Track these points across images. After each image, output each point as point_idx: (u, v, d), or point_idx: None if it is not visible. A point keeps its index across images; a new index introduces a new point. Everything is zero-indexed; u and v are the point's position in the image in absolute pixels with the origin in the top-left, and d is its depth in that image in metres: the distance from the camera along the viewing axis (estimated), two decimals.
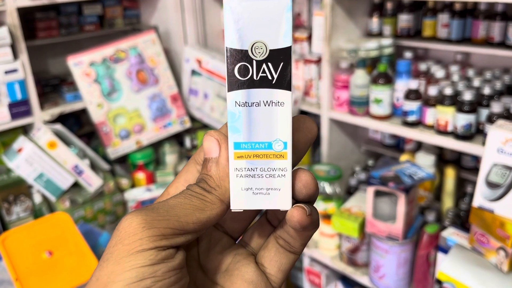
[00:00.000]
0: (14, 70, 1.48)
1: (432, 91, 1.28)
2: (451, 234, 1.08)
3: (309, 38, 1.58)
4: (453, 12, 1.35)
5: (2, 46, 1.44)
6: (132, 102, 1.73)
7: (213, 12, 1.92)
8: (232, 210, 0.29)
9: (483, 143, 1.17)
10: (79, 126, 1.89)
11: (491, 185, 0.88)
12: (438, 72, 1.33)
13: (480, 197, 0.90)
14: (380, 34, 1.52)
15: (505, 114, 1.15)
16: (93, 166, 1.62)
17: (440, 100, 1.25)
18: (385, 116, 1.40)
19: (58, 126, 1.56)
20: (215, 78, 1.76)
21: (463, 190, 1.39)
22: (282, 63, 0.27)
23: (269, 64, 0.27)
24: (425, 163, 1.38)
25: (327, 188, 1.46)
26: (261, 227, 0.32)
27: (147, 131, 1.76)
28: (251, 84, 0.27)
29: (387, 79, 1.37)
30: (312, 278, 1.62)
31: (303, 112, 1.61)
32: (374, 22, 1.51)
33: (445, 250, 1.06)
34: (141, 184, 1.74)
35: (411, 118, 1.33)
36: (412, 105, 1.32)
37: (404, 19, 1.46)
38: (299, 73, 1.60)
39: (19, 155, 1.44)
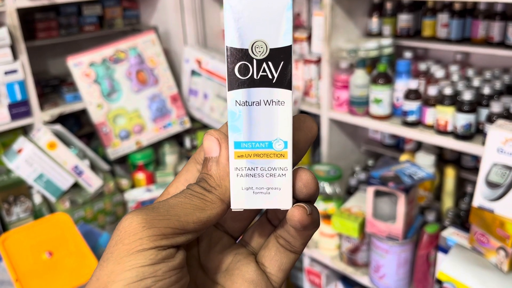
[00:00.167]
0: (14, 71, 1.48)
1: (432, 91, 1.28)
2: (451, 234, 1.08)
3: (309, 38, 1.58)
4: (453, 12, 1.35)
5: (2, 47, 1.44)
6: (132, 103, 1.73)
7: (212, 12, 1.92)
8: (233, 210, 0.29)
9: (483, 143, 1.17)
10: (79, 127, 1.89)
11: (491, 185, 0.88)
12: (438, 72, 1.33)
13: (480, 197, 0.90)
14: (379, 34, 1.52)
15: (505, 114, 1.15)
16: (93, 167, 1.62)
17: (440, 100, 1.25)
18: (385, 116, 1.40)
19: (58, 127, 1.56)
20: (215, 79, 1.76)
21: (463, 190, 1.39)
22: (282, 62, 0.27)
23: (270, 63, 0.27)
24: (425, 163, 1.38)
25: (327, 188, 1.46)
26: (262, 227, 0.32)
27: (147, 131, 1.76)
28: (252, 83, 0.27)
29: (387, 79, 1.37)
30: (312, 278, 1.62)
31: (303, 112, 1.61)
32: (374, 22, 1.51)
33: (445, 250, 1.06)
34: (141, 184, 1.74)
35: (411, 118, 1.33)
36: (412, 105, 1.32)
37: (404, 19, 1.46)
38: (299, 73, 1.60)
39: (19, 156, 1.44)
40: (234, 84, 0.27)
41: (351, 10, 1.46)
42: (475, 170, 1.40)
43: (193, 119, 1.88)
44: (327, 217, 1.44)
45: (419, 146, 1.54)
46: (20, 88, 1.51)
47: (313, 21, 1.50)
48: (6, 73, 1.47)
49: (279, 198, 0.28)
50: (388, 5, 1.48)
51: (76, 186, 1.55)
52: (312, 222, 0.28)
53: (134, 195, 1.67)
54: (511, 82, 1.29)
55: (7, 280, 0.94)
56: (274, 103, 0.27)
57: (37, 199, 1.50)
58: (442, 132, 1.27)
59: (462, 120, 1.21)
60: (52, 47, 1.87)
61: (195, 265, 0.31)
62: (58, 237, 0.97)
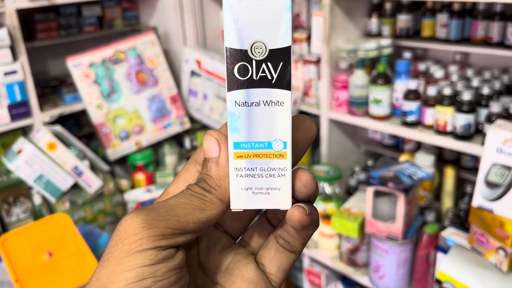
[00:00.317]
0: (14, 72, 1.48)
1: (431, 91, 1.28)
2: (450, 234, 1.08)
3: (308, 38, 1.58)
4: (452, 12, 1.35)
5: (2, 48, 1.44)
6: (131, 103, 1.73)
7: (212, 13, 1.92)
8: (232, 210, 0.29)
9: (482, 143, 1.17)
10: (79, 127, 1.89)
11: (491, 185, 0.88)
12: (437, 72, 1.34)
13: (480, 197, 0.90)
14: (379, 35, 1.52)
15: (504, 114, 1.15)
16: (93, 167, 1.62)
17: (439, 100, 1.25)
18: (384, 116, 1.40)
19: (58, 127, 1.56)
20: (214, 79, 1.76)
21: (463, 190, 1.39)
22: (281, 63, 0.27)
23: (269, 63, 0.27)
24: (425, 163, 1.38)
25: (327, 188, 1.46)
26: (261, 227, 0.32)
27: (146, 132, 1.76)
28: (251, 83, 0.27)
29: (386, 79, 1.37)
30: (312, 279, 1.62)
31: (302, 112, 1.61)
32: (373, 23, 1.51)
33: (445, 250, 1.06)
34: (141, 185, 1.74)
35: (411, 118, 1.33)
36: (411, 105, 1.32)
37: (403, 19, 1.46)
38: (298, 74, 1.60)
39: (19, 157, 1.44)
40: (234, 84, 0.27)
41: (350, 10, 1.46)
42: (475, 170, 1.40)
43: (192, 120, 1.88)
44: (327, 217, 1.44)
45: (418, 146, 1.55)
46: (20, 89, 1.51)
47: (313, 22, 1.50)
48: (6, 74, 1.47)
49: (279, 198, 0.28)
50: (388, 6, 1.48)
51: (76, 186, 1.55)
52: (312, 222, 0.28)
53: (134, 196, 1.67)
54: (510, 82, 1.29)
55: (7, 281, 0.94)
56: (273, 103, 0.28)
57: (37, 200, 1.50)
58: (442, 132, 1.27)
59: (462, 120, 1.21)
60: (52, 47, 1.87)
61: (195, 265, 0.31)
62: (58, 238, 0.97)
